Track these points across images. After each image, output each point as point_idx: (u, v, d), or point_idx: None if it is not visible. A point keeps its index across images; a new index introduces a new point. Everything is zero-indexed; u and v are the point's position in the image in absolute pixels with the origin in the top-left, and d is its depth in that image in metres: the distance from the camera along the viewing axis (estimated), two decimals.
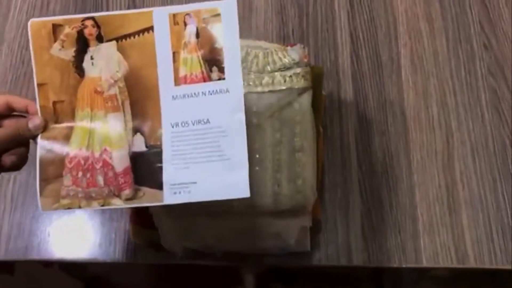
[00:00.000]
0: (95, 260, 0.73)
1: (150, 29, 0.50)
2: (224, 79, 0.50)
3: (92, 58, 0.51)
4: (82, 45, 0.51)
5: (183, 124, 0.49)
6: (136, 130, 0.50)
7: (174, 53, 0.51)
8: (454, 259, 0.71)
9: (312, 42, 0.84)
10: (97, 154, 0.50)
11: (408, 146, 0.77)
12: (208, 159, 0.49)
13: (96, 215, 0.74)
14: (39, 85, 0.52)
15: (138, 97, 0.51)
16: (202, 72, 0.50)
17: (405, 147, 0.77)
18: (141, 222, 0.68)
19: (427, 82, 0.81)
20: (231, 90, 0.50)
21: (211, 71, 0.51)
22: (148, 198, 0.50)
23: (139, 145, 0.50)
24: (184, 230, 0.64)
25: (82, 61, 0.51)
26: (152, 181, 0.50)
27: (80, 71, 0.52)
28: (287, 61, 0.66)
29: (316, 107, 0.68)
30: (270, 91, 0.65)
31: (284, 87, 0.65)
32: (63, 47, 0.51)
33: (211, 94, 0.50)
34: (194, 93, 0.50)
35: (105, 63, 0.51)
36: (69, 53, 0.51)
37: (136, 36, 0.51)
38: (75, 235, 0.74)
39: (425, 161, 0.77)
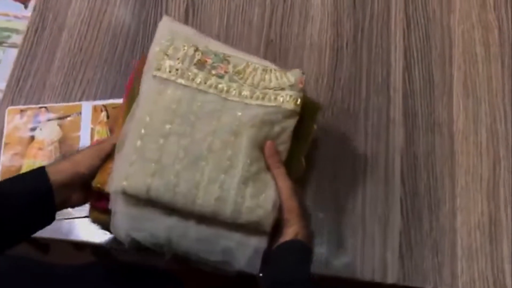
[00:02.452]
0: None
1: (80, 113, 0.82)
2: None
3: (41, 129, 0.81)
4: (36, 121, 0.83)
5: None
6: None
7: (91, 128, 0.81)
8: None
9: (365, 57, 0.84)
10: None
11: (453, 169, 0.77)
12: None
13: None
14: (6, 143, 0.81)
15: (65, 151, 0.80)
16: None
17: (450, 170, 0.77)
18: (99, 207, 0.66)
19: (479, 107, 0.81)
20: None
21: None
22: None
23: None
24: (135, 220, 0.62)
25: (35, 130, 0.81)
26: None
27: (32, 136, 0.82)
28: (283, 82, 0.65)
29: (302, 137, 0.68)
30: (258, 105, 0.64)
31: (273, 104, 0.64)
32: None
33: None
34: None
35: (48, 133, 0.80)
36: (28, 125, 0.82)
37: (70, 117, 0.82)
38: None
39: (469, 186, 0.76)
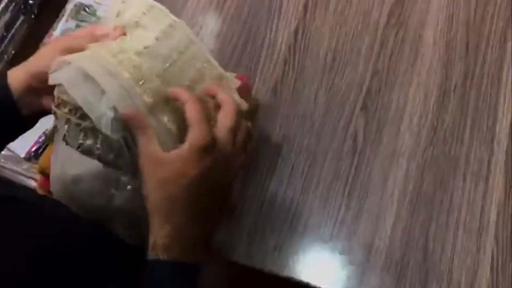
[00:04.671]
0: None
1: None
2: None
3: None
4: None
5: None
6: None
7: None
8: None
9: (472, 104, 0.83)
10: None
11: None
12: None
13: None
14: None
15: None
16: None
17: None
18: (46, 186, 0.71)
19: None
20: None
21: None
22: None
23: None
24: (70, 203, 0.66)
25: None
26: None
27: None
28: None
29: None
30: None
31: None
32: None
33: None
34: None
35: None
36: None
37: None
38: None
39: None
